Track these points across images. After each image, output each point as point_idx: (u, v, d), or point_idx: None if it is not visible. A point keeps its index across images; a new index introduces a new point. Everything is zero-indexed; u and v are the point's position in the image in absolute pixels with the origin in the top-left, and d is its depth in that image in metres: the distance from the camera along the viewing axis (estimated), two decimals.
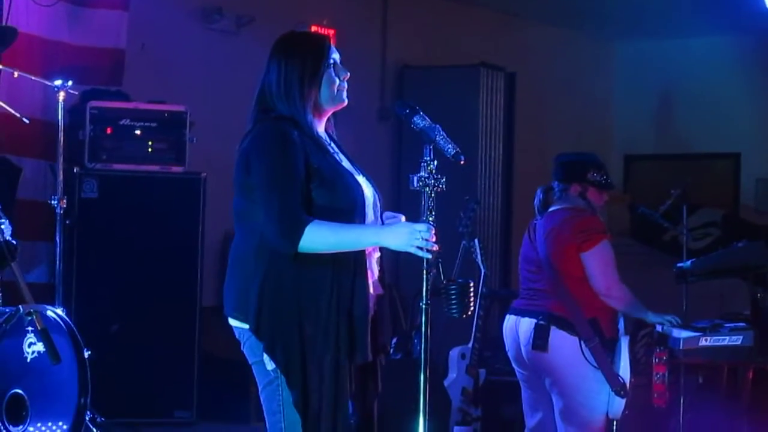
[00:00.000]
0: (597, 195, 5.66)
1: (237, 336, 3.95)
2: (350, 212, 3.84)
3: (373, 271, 3.94)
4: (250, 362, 3.94)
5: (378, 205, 3.99)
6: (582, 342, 5.40)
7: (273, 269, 3.80)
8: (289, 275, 3.79)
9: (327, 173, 3.83)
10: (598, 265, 5.48)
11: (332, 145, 4.02)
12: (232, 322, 3.92)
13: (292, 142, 3.81)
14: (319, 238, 3.75)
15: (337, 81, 3.96)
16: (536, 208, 5.75)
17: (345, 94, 4.00)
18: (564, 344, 5.41)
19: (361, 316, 3.83)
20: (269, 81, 3.94)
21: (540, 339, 5.43)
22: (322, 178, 3.82)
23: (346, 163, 3.98)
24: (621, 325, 5.54)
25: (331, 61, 3.96)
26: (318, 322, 3.79)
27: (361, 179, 3.98)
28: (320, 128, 4.00)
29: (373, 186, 4.00)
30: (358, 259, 3.85)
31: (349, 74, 4.00)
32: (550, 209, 5.66)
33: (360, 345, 3.83)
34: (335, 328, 3.80)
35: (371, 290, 3.91)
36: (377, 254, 3.94)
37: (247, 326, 3.84)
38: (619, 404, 5.45)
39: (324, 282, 3.80)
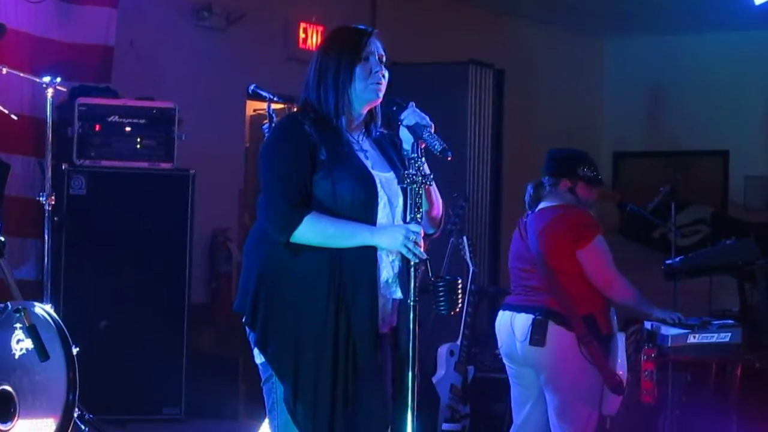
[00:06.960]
0: (587, 191, 5.63)
1: (246, 334, 3.89)
2: (351, 207, 3.77)
3: (390, 273, 3.85)
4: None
5: (395, 205, 3.84)
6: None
7: (271, 261, 3.77)
8: (287, 268, 3.75)
9: (333, 166, 3.76)
10: (596, 261, 5.45)
11: (362, 141, 3.92)
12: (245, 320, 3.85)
13: (298, 134, 3.77)
14: (313, 230, 3.72)
15: (371, 75, 3.86)
16: (527, 204, 5.73)
17: (379, 91, 3.88)
18: (561, 340, 5.39)
19: (363, 316, 3.76)
20: (308, 72, 3.91)
21: (537, 334, 5.40)
22: (327, 170, 3.76)
23: (371, 161, 3.87)
24: (614, 322, 5.53)
25: (366, 55, 3.88)
26: (315, 319, 3.73)
27: (387, 177, 3.86)
28: (354, 123, 3.91)
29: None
30: (363, 257, 3.77)
31: (386, 72, 3.91)
32: (540, 206, 5.64)
33: (362, 346, 3.76)
34: (334, 327, 3.73)
35: (382, 291, 3.82)
36: (392, 256, 3.82)
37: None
38: (614, 401, 5.45)
39: (321, 278, 3.74)
